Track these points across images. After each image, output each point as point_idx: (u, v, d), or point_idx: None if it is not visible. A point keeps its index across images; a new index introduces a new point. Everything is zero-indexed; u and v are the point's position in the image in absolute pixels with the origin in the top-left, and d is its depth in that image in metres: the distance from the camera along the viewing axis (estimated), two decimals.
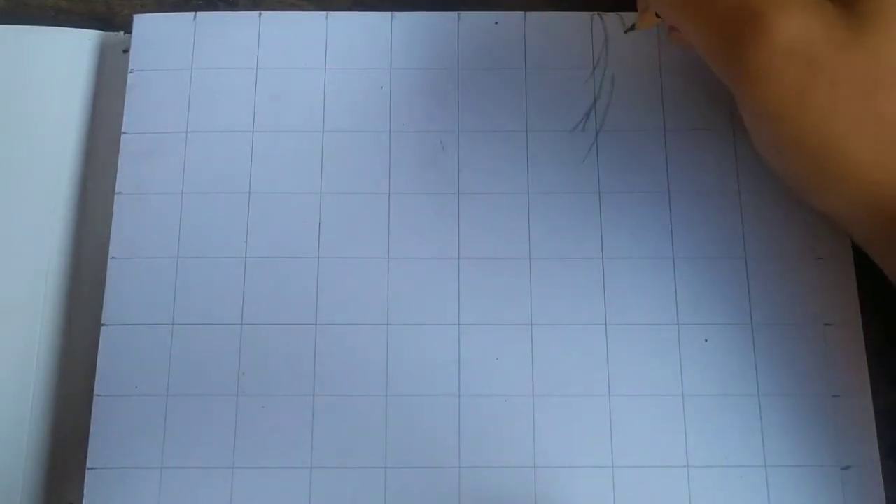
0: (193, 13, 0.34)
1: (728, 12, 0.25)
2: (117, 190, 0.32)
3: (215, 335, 0.30)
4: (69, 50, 0.34)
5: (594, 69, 0.33)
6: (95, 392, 0.30)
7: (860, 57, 0.23)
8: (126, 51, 0.34)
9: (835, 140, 0.24)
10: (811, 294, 0.30)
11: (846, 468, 0.29)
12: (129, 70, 0.33)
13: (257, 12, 0.34)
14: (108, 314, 0.30)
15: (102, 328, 0.30)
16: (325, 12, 0.34)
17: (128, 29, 0.34)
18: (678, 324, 0.30)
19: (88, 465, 0.29)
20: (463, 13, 0.33)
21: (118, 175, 0.32)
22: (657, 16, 0.30)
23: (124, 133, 0.32)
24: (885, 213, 0.24)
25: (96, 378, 0.30)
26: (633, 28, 0.32)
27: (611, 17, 0.33)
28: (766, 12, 0.24)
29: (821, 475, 0.29)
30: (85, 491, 0.29)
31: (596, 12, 0.33)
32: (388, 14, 0.33)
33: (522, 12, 0.33)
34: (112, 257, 0.31)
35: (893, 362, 0.30)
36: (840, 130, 0.24)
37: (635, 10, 0.33)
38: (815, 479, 0.29)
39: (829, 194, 0.26)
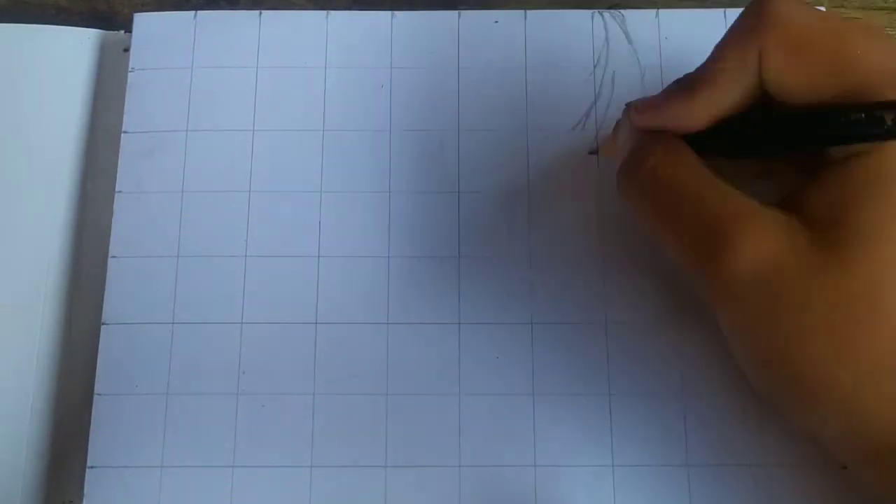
0: (194, 12, 0.34)
1: (695, 230, 0.24)
2: (117, 189, 0.32)
3: (215, 334, 0.30)
4: (69, 49, 0.34)
5: (594, 68, 0.33)
6: (96, 391, 0.30)
7: (832, 283, 0.22)
8: (126, 50, 0.34)
9: (807, 365, 0.22)
10: None
11: (845, 467, 0.29)
12: (130, 69, 0.33)
13: (258, 11, 0.34)
14: (108, 313, 0.30)
15: (103, 327, 0.30)
16: (325, 11, 0.34)
17: (128, 28, 0.34)
18: (679, 322, 0.30)
19: (89, 464, 0.29)
20: (463, 12, 0.33)
21: (118, 174, 0.32)
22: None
23: (124, 132, 0.32)
24: (862, 441, 0.23)
25: (96, 377, 0.30)
26: (595, 152, 0.31)
27: (611, 16, 0.33)
28: (731, 236, 0.23)
29: (820, 474, 0.29)
30: (85, 490, 0.29)
31: (597, 10, 0.33)
32: (388, 13, 0.33)
33: (522, 11, 0.33)
34: (112, 256, 0.31)
35: None
36: (812, 356, 0.22)
37: (634, 7, 0.33)
38: (815, 478, 0.29)
39: (805, 416, 0.24)
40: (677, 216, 0.24)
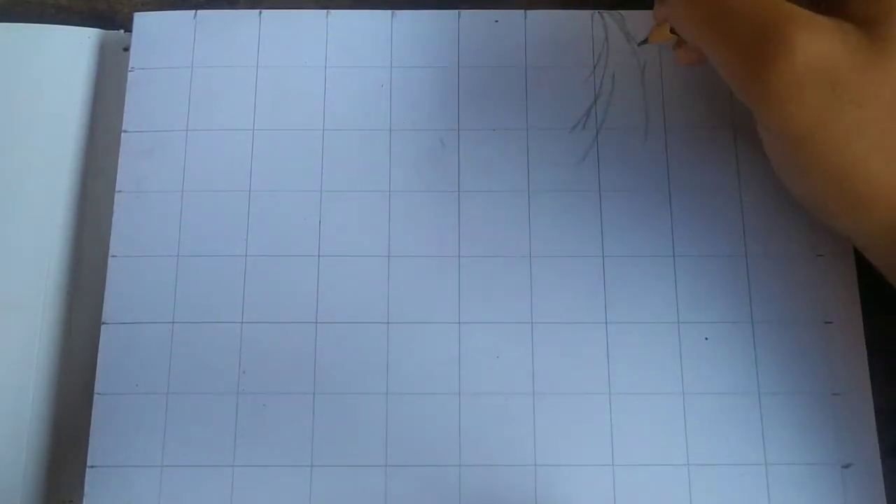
0: (194, 11, 0.34)
1: (750, 31, 0.25)
2: (117, 188, 0.32)
3: (216, 333, 0.30)
4: (70, 48, 0.34)
5: (594, 68, 0.33)
6: (96, 390, 0.30)
7: (883, 79, 0.23)
8: (126, 49, 0.34)
9: (856, 162, 0.24)
10: (812, 292, 0.30)
11: (847, 466, 0.29)
12: (130, 68, 0.33)
13: (257, 11, 0.34)
14: (108, 312, 0.30)
15: (103, 326, 0.30)
16: (325, 10, 0.34)
17: (128, 27, 0.34)
18: (678, 322, 0.30)
19: (89, 463, 0.29)
20: (463, 11, 0.33)
21: (118, 173, 0.32)
22: (672, 32, 0.29)
23: (124, 131, 0.32)
24: None
25: (96, 376, 0.30)
26: (645, 42, 0.31)
27: (611, 16, 0.33)
28: (788, 32, 0.24)
29: (821, 473, 0.29)
30: (85, 489, 0.29)
31: (597, 11, 0.33)
32: (388, 12, 0.33)
33: (523, 11, 0.33)
34: (112, 255, 0.31)
35: (894, 360, 0.30)
36: (862, 152, 0.24)
37: (637, 8, 0.33)
38: (816, 477, 0.29)
39: (849, 217, 0.25)
40: (731, 21, 0.25)
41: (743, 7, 0.25)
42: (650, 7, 0.32)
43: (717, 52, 0.26)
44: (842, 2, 0.25)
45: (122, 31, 0.35)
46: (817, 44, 0.23)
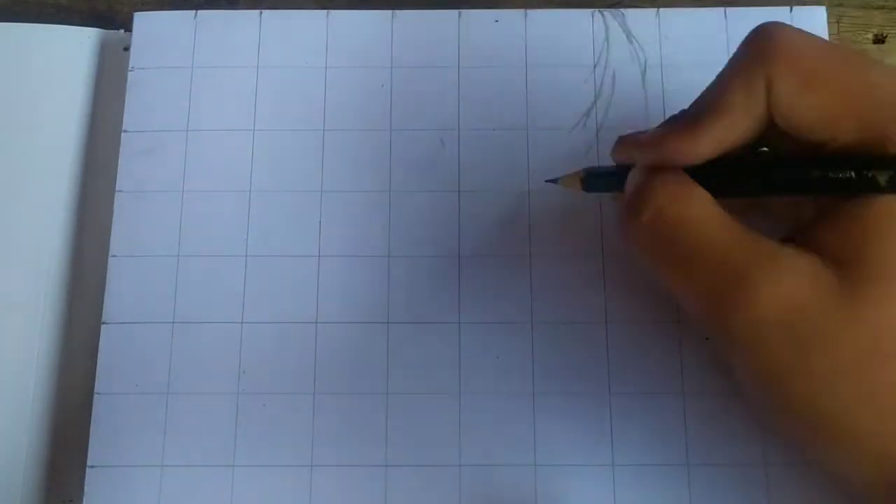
0: (194, 12, 0.34)
1: (709, 271, 0.22)
2: (117, 188, 0.32)
3: (216, 333, 0.30)
4: (69, 48, 0.34)
5: (595, 67, 0.33)
6: (96, 390, 0.30)
7: (857, 324, 0.21)
8: (126, 49, 0.34)
9: (831, 411, 0.22)
10: None
11: None
12: (130, 68, 0.33)
13: (258, 11, 0.34)
14: (108, 312, 0.30)
15: (103, 326, 0.30)
16: (325, 11, 0.34)
17: (128, 27, 0.34)
18: (678, 322, 0.30)
19: (89, 463, 0.29)
20: (463, 11, 0.33)
21: (118, 173, 0.32)
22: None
23: (125, 131, 0.32)
24: (888, 475, 0.22)
25: (96, 376, 0.30)
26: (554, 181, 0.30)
27: (612, 15, 0.33)
28: (751, 276, 0.22)
29: (821, 473, 0.29)
30: (85, 489, 0.29)
31: (597, 9, 0.33)
32: (388, 12, 0.33)
33: (523, 10, 0.33)
34: (112, 255, 0.31)
35: None
36: (837, 402, 0.22)
37: (638, 6, 0.33)
38: (816, 477, 0.29)
39: (829, 461, 0.23)
40: (689, 261, 0.23)
41: (701, 245, 0.23)
42: (650, 5, 0.32)
43: (673, 288, 0.24)
44: (815, 237, 0.22)
45: (122, 30, 0.35)
46: (784, 289, 0.21)
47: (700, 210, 0.23)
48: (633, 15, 0.33)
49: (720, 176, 0.24)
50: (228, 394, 0.30)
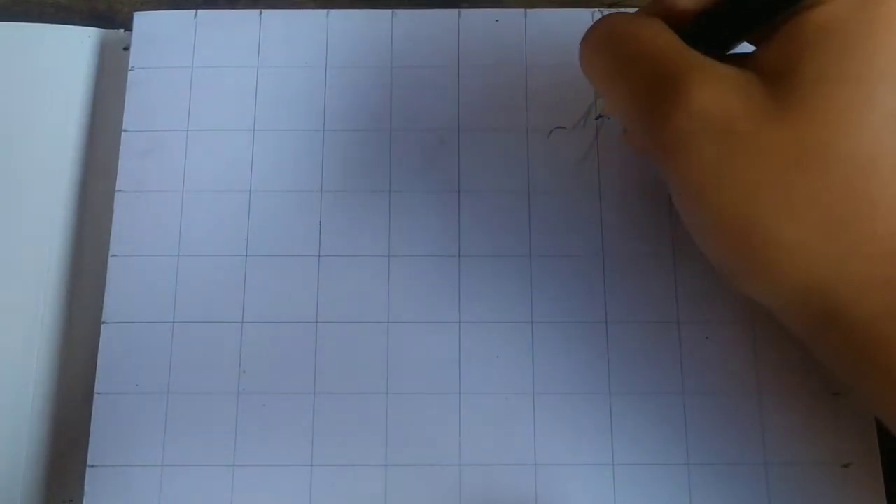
0: (194, 11, 0.34)
1: (648, 79, 0.23)
2: (118, 188, 0.32)
3: (216, 333, 0.30)
4: (69, 47, 0.34)
5: None
6: (96, 390, 0.30)
7: (787, 133, 0.22)
8: (126, 48, 0.34)
9: (756, 219, 0.22)
10: None
11: (847, 465, 0.29)
12: (130, 68, 0.33)
13: (258, 11, 0.34)
14: (108, 312, 0.30)
15: (103, 326, 0.30)
16: (325, 10, 0.34)
17: (128, 27, 0.34)
18: (679, 322, 0.30)
19: (89, 462, 0.29)
20: (463, 10, 0.33)
21: (118, 173, 0.32)
22: None
23: (125, 131, 0.32)
24: (813, 300, 0.23)
25: (96, 376, 0.30)
26: (600, 117, 0.31)
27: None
28: (685, 80, 0.22)
29: (821, 473, 0.29)
30: (85, 489, 0.29)
31: (597, 9, 0.33)
32: (388, 12, 0.33)
33: (523, 9, 0.33)
34: (112, 255, 0.31)
35: None
36: (761, 209, 0.22)
37: (637, 5, 0.33)
38: (816, 476, 0.29)
39: (754, 279, 0.24)
40: (632, 65, 0.24)
41: (643, 54, 0.24)
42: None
43: (616, 100, 0.25)
44: (755, 57, 0.23)
45: (122, 30, 0.34)
46: (715, 93, 0.22)
47: (653, 26, 0.24)
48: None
49: (707, 29, 0.25)
50: (228, 393, 0.30)
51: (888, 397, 0.23)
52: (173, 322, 0.30)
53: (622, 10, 0.33)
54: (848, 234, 0.22)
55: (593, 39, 0.26)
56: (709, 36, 0.25)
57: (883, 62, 0.22)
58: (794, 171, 0.22)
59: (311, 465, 0.29)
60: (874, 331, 0.22)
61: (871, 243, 0.22)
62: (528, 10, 0.33)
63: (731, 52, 0.25)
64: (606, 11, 0.33)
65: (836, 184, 0.22)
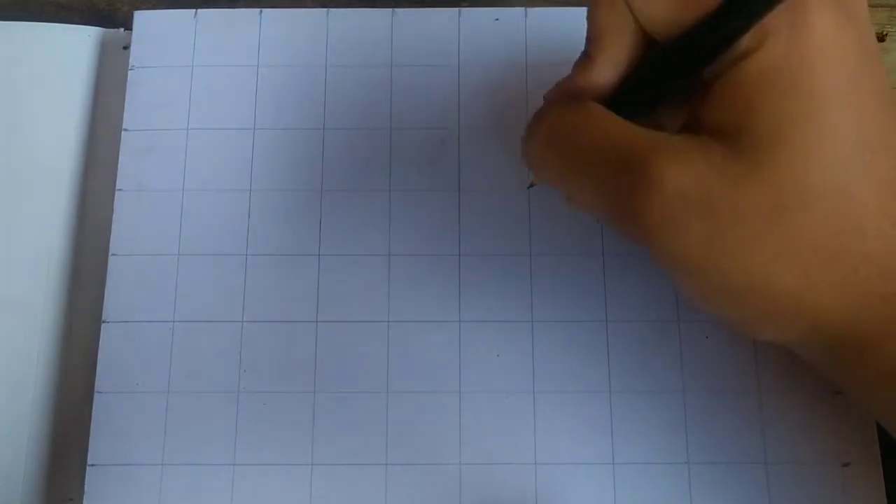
0: (194, 10, 0.34)
1: (610, 172, 0.23)
2: (118, 187, 0.32)
3: (216, 332, 0.30)
4: (70, 46, 0.34)
5: None
6: (96, 389, 0.30)
7: (757, 188, 0.22)
8: (127, 47, 0.34)
9: (755, 276, 0.22)
10: None
11: (846, 465, 0.29)
12: (130, 67, 0.33)
13: (258, 9, 0.34)
14: (108, 311, 0.30)
15: (103, 325, 0.30)
16: (325, 9, 0.34)
17: (128, 25, 0.34)
18: (679, 320, 0.30)
19: (89, 461, 0.29)
20: (464, 9, 0.33)
21: (119, 172, 0.32)
22: None
23: (125, 130, 0.32)
24: (827, 337, 0.23)
25: (97, 375, 0.30)
26: (533, 185, 0.31)
27: None
28: (648, 164, 0.22)
29: (821, 472, 0.29)
30: (86, 487, 0.29)
31: None
32: (388, 10, 0.33)
33: (523, 8, 0.33)
34: (113, 254, 0.31)
35: None
36: (759, 266, 0.22)
37: None
38: (816, 475, 0.29)
39: (766, 329, 0.24)
40: (590, 163, 0.24)
41: (596, 147, 0.24)
42: None
43: (579, 196, 0.25)
44: (702, 119, 0.23)
45: (122, 29, 0.34)
46: (681, 169, 0.22)
47: (595, 114, 0.24)
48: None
49: (630, 96, 0.25)
50: (229, 392, 0.30)
51: None
52: (173, 321, 0.30)
53: None
54: (842, 264, 0.22)
55: (538, 143, 0.25)
56: (633, 102, 0.25)
57: (828, 92, 0.22)
58: (779, 220, 0.22)
59: (312, 464, 0.29)
60: (883, 347, 0.23)
61: (865, 266, 0.22)
62: (528, 9, 0.33)
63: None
64: None
65: (820, 220, 0.22)
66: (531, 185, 0.31)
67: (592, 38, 0.25)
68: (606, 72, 0.24)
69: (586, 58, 0.25)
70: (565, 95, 0.25)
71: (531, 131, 0.26)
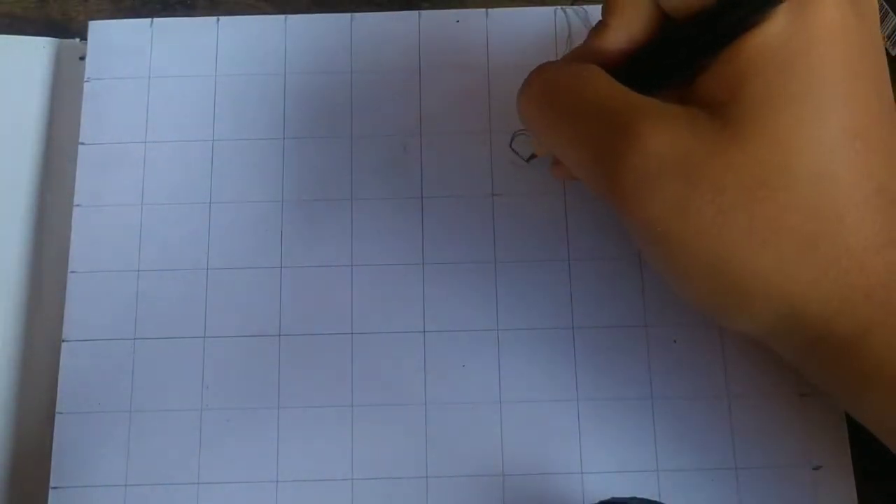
0: (150, 19, 0.33)
1: (598, 129, 0.23)
2: (75, 202, 0.31)
3: (178, 349, 0.30)
4: (24, 58, 0.33)
5: None
6: (57, 409, 0.29)
7: (741, 161, 0.21)
8: (82, 58, 0.33)
9: (725, 251, 0.22)
10: None
11: (817, 468, 0.28)
12: (86, 79, 0.32)
13: (215, 17, 0.33)
14: (68, 330, 0.30)
15: (63, 344, 0.30)
16: (283, 15, 0.33)
17: (84, 36, 0.33)
18: (646, 325, 0.30)
19: (52, 484, 0.29)
20: (423, 12, 0.33)
21: (76, 187, 0.31)
22: None
23: (81, 143, 0.32)
24: (796, 325, 0.23)
25: (58, 395, 0.29)
26: (534, 157, 0.31)
27: (574, 12, 0.33)
28: (635, 125, 0.22)
29: (792, 476, 0.28)
30: None
31: (559, 6, 0.33)
32: (347, 16, 0.33)
33: (484, 9, 0.33)
34: (72, 271, 0.30)
35: None
36: (729, 240, 0.22)
37: (599, 2, 0.32)
38: (787, 479, 0.28)
39: (734, 313, 0.23)
40: (580, 113, 0.24)
41: (587, 104, 0.24)
42: None
43: (568, 152, 0.25)
44: (696, 91, 0.23)
45: (77, 39, 0.34)
46: (666, 133, 0.22)
47: (595, 73, 0.24)
48: (594, 11, 0.32)
49: (636, 72, 0.25)
50: (192, 410, 0.29)
51: (890, 411, 0.23)
52: (134, 338, 0.30)
53: (584, 7, 0.32)
54: (820, 253, 0.21)
55: (532, 92, 0.26)
56: (641, 75, 0.24)
57: (826, 77, 0.21)
58: (756, 197, 0.21)
59: (277, 481, 0.29)
60: (864, 345, 0.22)
61: (847, 258, 0.21)
62: (489, 10, 0.33)
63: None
64: (570, 9, 0.33)
65: (800, 204, 0.21)
66: (531, 158, 0.31)
67: (609, 6, 0.25)
68: (618, 37, 0.24)
69: (600, 24, 0.25)
70: (573, 58, 0.26)
71: (529, 80, 0.26)
